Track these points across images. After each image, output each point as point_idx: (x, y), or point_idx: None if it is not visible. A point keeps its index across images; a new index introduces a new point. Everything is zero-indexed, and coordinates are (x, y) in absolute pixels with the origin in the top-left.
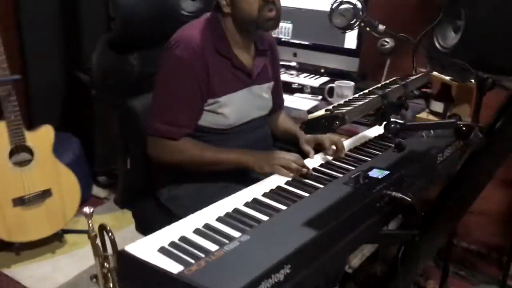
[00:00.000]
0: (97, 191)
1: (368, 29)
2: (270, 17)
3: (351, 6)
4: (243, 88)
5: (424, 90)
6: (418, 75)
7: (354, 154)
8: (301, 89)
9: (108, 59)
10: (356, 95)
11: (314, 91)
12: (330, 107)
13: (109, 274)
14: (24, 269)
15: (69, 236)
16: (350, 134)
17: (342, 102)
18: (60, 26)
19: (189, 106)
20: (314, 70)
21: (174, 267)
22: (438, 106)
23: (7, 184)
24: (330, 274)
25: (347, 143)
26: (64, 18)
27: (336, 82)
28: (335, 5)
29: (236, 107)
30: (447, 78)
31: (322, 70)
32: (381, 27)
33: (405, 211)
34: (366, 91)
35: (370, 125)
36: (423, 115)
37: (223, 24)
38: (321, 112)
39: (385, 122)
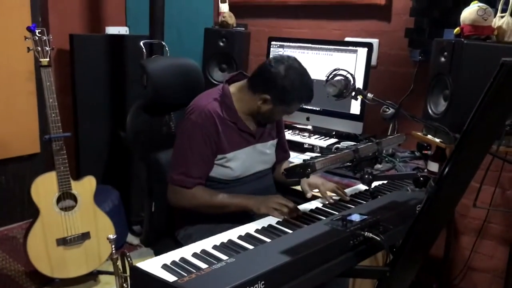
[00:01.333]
0: (131, 238)
1: (360, 97)
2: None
3: (343, 78)
4: (247, 146)
5: (425, 152)
6: (394, 136)
7: (343, 203)
8: (311, 148)
9: (140, 120)
10: (335, 150)
11: (322, 150)
12: (308, 158)
13: None
14: None
15: (102, 276)
16: (347, 187)
17: (320, 155)
18: (107, 92)
19: (201, 161)
20: (326, 133)
21: (170, 278)
22: (434, 166)
23: (53, 226)
24: None
25: None
26: (111, 85)
27: (341, 143)
28: (329, 76)
29: (241, 162)
30: (438, 140)
31: (333, 133)
32: (370, 95)
33: (376, 249)
34: (345, 147)
35: None
36: None
37: (234, 96)
38: (300, 161)
39: (360, 173)
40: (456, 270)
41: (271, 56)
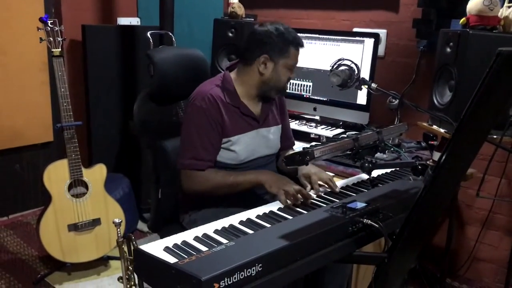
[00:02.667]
0: (141, 226)
1: (365, 87)
2: (287, 87)
3: (347, 68)
4: (251, 130)
5: (431, 142)
6: (395, 125)
7: (345, 191)
8: (317, 138)
9: (147, 109)
10: (335, 139)
11: (328, 140)
12: (308, 146)
13: (132, 275)
14: (73, 287)
15: (112, 261)
16: (351, 176)
17: (320, 143)
18: (118, 82)
19: (209, 144)
20: (333, 123)
21: (171, 259)
22: (438, 157)
23: (64, 212)
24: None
25: (343, 182)
26: (122, 75)
27: (347, 133)
28: (334, 66)
29: (245, 145)
30: (443, 131)
31: (340, 123)
32: (374, 85)
33: (375, 236)
34: (346, 135)
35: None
36: None
37: (235, 81)
38: (300, 149)
39: (361, 161)
40: (461, 261)
41: None
